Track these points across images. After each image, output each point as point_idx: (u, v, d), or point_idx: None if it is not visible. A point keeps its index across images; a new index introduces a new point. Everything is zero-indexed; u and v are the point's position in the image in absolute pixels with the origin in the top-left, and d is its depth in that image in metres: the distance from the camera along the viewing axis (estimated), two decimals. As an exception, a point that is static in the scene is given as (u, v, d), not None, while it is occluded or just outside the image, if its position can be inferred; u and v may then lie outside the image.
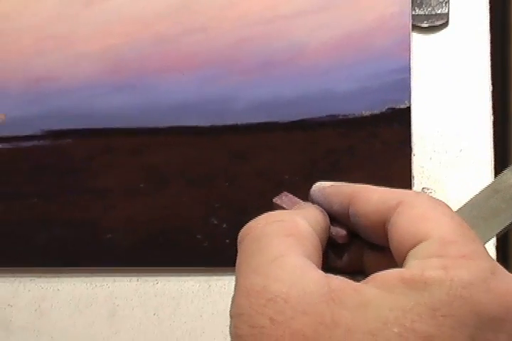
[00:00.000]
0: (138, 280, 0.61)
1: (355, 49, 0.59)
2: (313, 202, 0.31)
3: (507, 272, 0.23)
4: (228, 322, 0.24)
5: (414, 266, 0.23)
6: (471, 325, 0.20)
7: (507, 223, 0.41)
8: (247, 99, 0.61)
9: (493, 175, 0.56)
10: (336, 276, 0.23)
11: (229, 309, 0.25)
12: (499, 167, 0.57)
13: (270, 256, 0.24)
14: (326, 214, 0.30)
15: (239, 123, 0.61)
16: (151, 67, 0.63)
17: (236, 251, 0.26)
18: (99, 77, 0.63)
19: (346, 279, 0.23)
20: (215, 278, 0.60)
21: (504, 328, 0.20)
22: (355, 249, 0.30)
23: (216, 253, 0.59)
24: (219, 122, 0.61)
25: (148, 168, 0.62)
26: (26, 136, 0.64)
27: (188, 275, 0.60)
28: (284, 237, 0.25)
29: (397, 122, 0.58)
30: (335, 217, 0.30)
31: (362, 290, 0.22)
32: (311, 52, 0.60)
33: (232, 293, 0.25)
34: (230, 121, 0.61)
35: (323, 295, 0.22)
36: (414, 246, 0.24)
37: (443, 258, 0.22)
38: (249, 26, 0.61)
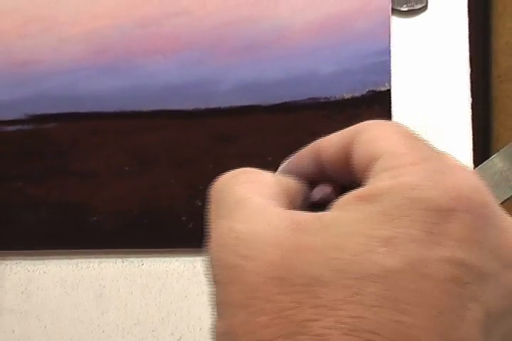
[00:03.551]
0: (123, 261, 0.62)
1: (336, 31, 0.60)
2: None
3: (458, 168, 0.24)
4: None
5: (367, 184, 0.24)
6: (426, 220, 0.22)
7: None
8: (230, 82, 0.61)
9: (471, 156, 0.58)
10: (298, 211, 0.24)
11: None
12: (478, 148, 0.58)
13: (233, 200, 0.25)
14: (302, 184, 0.30)
15: (222, 106, 0.61)
16: (134, 51, 0.63)
17: None
18: (83, 60, 0.64)
19: (309, 212, 0.24)
20: (200, 258, 0.61)
21: (456, 217, 0.22)
22: None
23: (201, 235, 0.60)
24: (202, 105, 0.62)
25: (133, 151, 0.62)
26: (10, 121, 0.64)
27: (173, 257, 0.61)
28: (246, 183, 0.26)
29: (377, 104, 0.59)
30: (314, 180, 0.31)
31: (323, 216, 0.23)
32: (294, 35, 0.61)
33: None
34: (213, 104, 0.61)
35: (287, 226, 0.23)
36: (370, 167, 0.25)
37: (392, 170, 0.23)
38: (233, 9, 0.62)
